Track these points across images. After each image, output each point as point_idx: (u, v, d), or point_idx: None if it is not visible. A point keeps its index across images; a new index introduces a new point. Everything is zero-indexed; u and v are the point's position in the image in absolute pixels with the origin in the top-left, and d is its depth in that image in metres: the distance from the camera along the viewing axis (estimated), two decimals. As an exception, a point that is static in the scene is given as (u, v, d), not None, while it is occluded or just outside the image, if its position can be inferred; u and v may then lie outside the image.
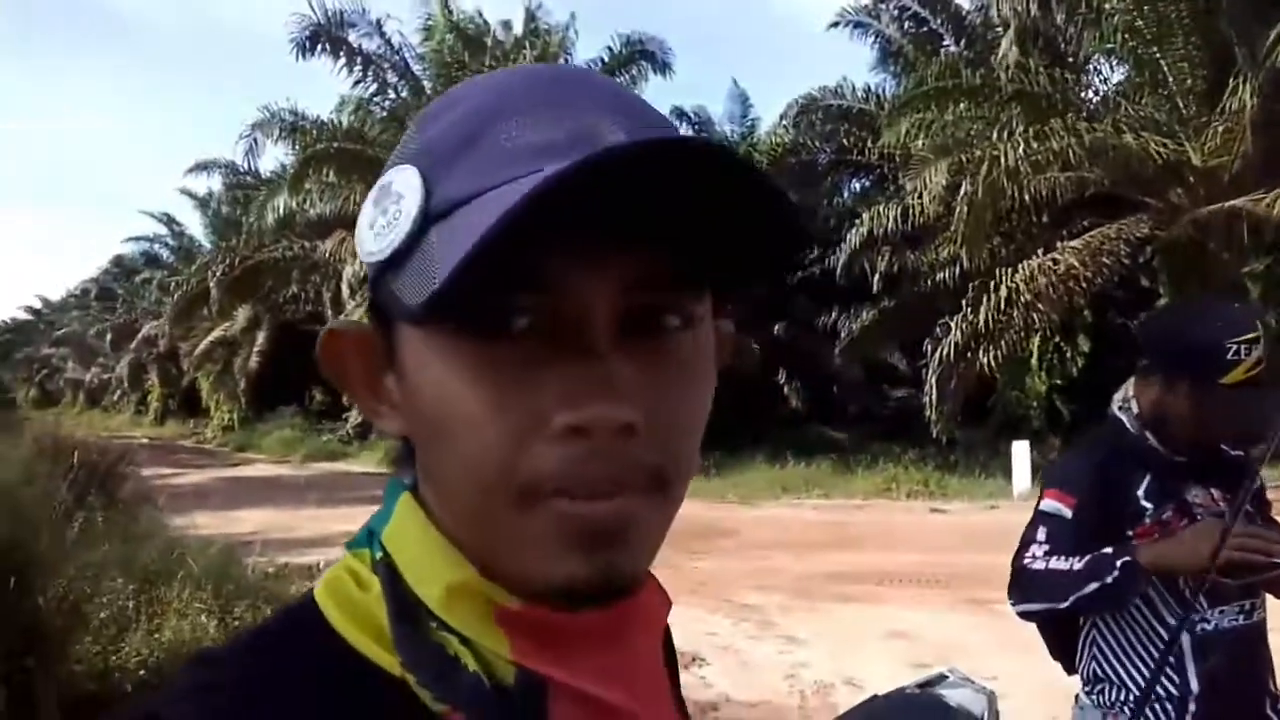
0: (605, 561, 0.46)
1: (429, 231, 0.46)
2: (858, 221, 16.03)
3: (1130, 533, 1.90)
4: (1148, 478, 1.92)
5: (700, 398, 0.50)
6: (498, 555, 0.48)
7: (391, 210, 0.47)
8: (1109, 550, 1.83)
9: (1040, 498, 2.00)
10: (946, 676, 2.37)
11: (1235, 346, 1.77)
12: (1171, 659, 1.90)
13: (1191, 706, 1.88)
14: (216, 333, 26.68)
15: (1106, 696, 1.98)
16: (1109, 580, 1.79)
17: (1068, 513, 1.92)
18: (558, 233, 0.43)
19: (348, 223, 18.32)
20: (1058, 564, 1.88)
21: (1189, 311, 1.93)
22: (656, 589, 0.57)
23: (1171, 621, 1.90)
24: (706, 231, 0.45)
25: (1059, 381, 16.97)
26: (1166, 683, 1.90)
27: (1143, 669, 1.93)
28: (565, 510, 0.45)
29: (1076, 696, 2.10)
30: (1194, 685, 1.88)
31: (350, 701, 0.47)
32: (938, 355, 13.88)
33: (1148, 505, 1.90)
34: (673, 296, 0.48)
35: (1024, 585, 1.93)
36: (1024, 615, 1.96)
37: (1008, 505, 12.35)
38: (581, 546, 0.46)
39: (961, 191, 12.95)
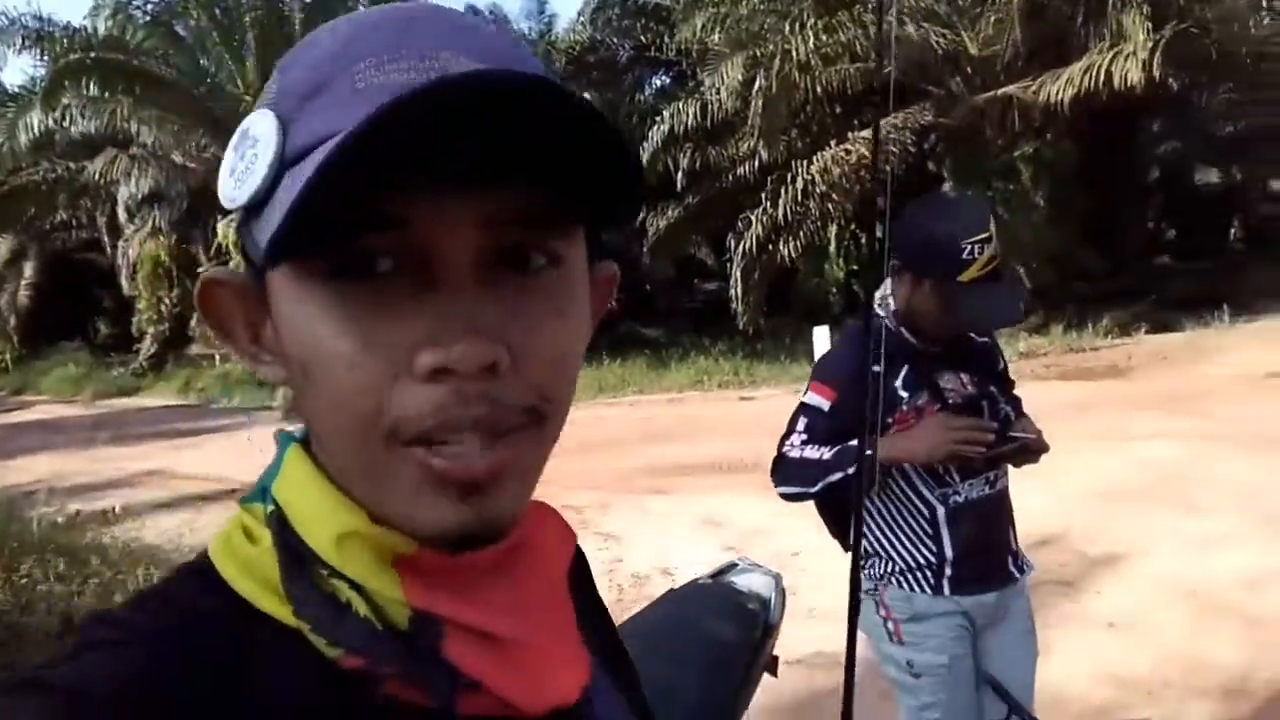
0: (476, 509, 0.47)
1: (284, 176, 0.46)
2: (659, 119, 16.03)
3: (890, 420, 2.03)
4: (905, 368, 2.05)
5: (570, 335, 0.50)
6: (376, 499, 0.48)
7: (249, 156, 0.47)
8: (854, 444, 1.98)
9: (806, 390, 2.11)
10: (736, 564, 2.49)
11: (969, 246, 1.89)
12: (929, 529, 2.07)
13: (948, 571, 2.06)
14: (-24, 267, 24.21)
15: (876, 569, 2.13)
16: (850, 471, 1.96)
17: (825, 405, 2.05)
18: (412, 172, 0.43)
19: (118, 140, 16.78)
20: (811, 453, 2.03)
21: (928, 214, 2.03)
22: (556, 526, 0.60)
23: (929, 496, 2.06)
24: (562, 169, 0.45)
25: (856, 267, 17.82)
26: (925, 551, 2.08)
27: (906, 541, 2.09)
28: (435, 465, 0.45)
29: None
30: (949, 552, 2.06)
31: (247, 653, 0.46)
32: (741, 249, 14.26)
33: (904, 394, 2.03)
34: (537, 235, 0.48)
35: (782, 470, 2.09)
36: (783, 496, 2.12)
37: (811, 388, 12.97)
38: (450, 494, 0.46)
39: (756, 86, 13.14)
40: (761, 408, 11.53)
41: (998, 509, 2.12)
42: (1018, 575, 2.15)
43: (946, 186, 15.15)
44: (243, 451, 11.23)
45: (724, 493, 7.13)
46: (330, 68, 0.47)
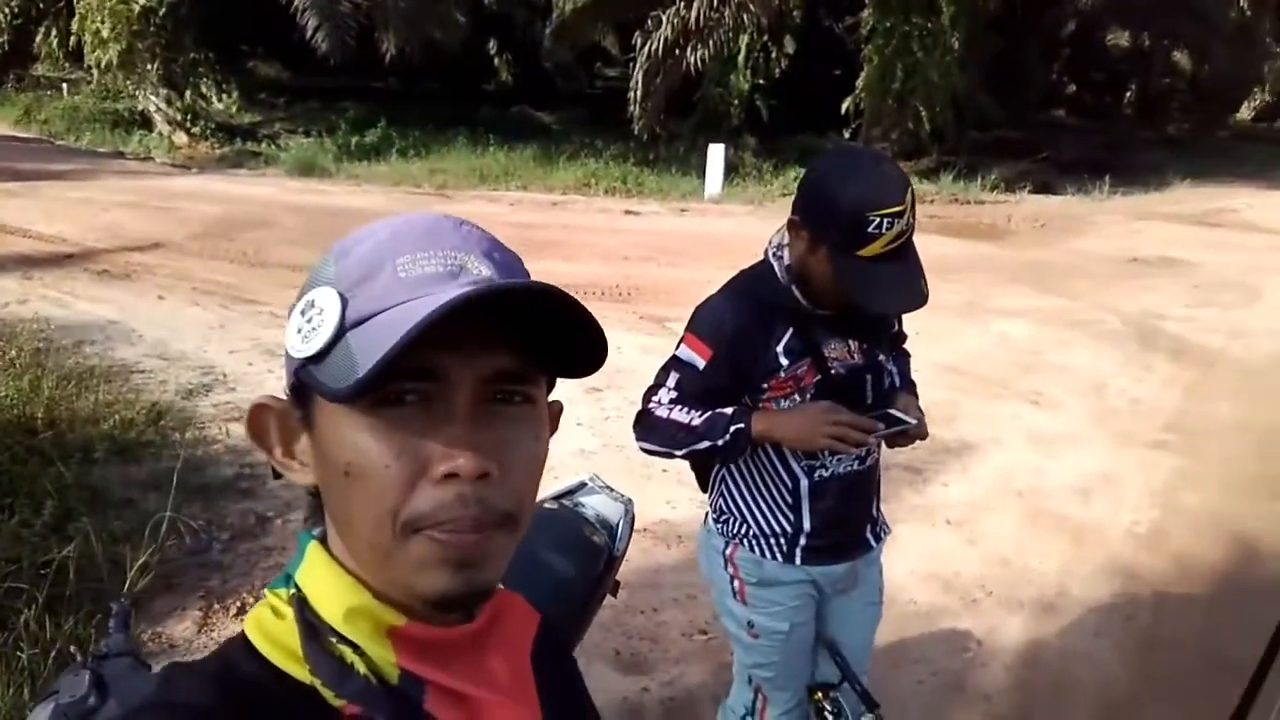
0: (467, 578, 0.62)
1: (345, 336, 0.62)
2: (578, -112, 14.72)
3: (765, 385, 1.88)
4: (790, 331, 1.88)
5: (538, 453, 0.67)
6: (389, 574, 0.64)
7: (315, 320, 0.63)
8: (726, 412, 1.86)
9: (681, 340, 1.93)
10: (585, 484, 2.36)
11: (877, 219, 1.68)
12: (790, 499, 1.97)
13: (802, 541, 1.99)
14: None
15: (730, 527, 2.04)
16: (719, 443, 1.86)
17: (700, 363, 1.89)
18: (442, 340, 0.60)
19: None
20: (679, 415, 1.90)
21: (838, 171, 1.79)
22: (520, 612, 0.78)
23: (795, 467, 1.95)
24: (544, 338, 0.64)
25: (762, 81, 17.29)
26: (783, 520, 1.98)
27: (764, 506, 1.99)
28: (440, 540, 0.61)
29: (705, 517, 2.16)
30: (807, 524, 1.97)
31: (274, 705, 0.62)
32: (647, 49, 13.54)
33: (784, 361, 1.87)
34: (520, 384, 0.65)
35: (647, 426, 1.96)
36: (644, 450, 1.98)
37: (697, 208, 12.80)
38: (450, 567, 0.62)
39: None
40: (645, 225, 11.32)
41: (865, 482, 2.03)
42: (873, 544, 2.09)
43: (866, 13, 14.63)
44: (83, 208, 10.39)
45: (595, 323, 7.00)
46: (378, 259, 0.64)
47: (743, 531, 2.03)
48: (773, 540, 2.00)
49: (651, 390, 1.97)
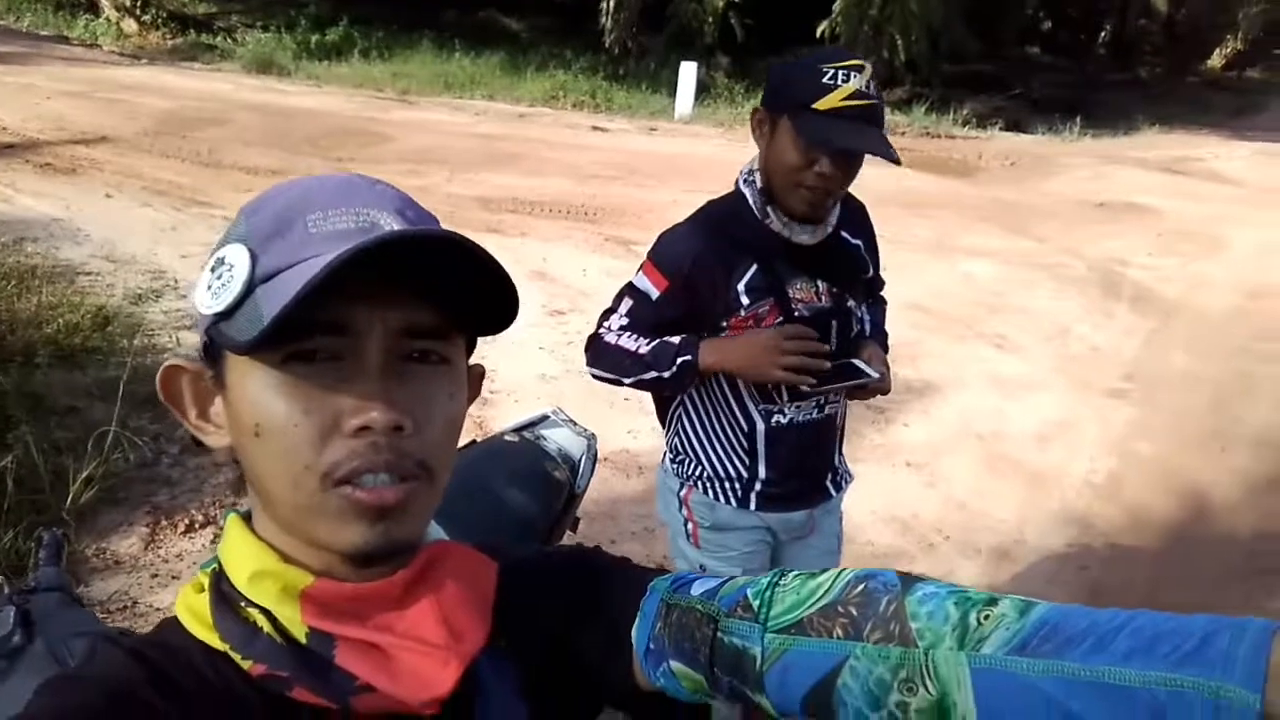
0: (385, 531, 0.63)
1: (254, 291, 0.61)
2: None
3: (724, 324, 1.82)
4: (753, 268, 1.80)
5: (453, 412, 0.67)
6: (308, 532, 0.64)
7: (225, 276, 0.63)
8: (674, 342, 1.80)
9: (640, 267, 1.85)
10: (548, 417, 2.30)
11: (832, 70, 1.63)
12: (745, 444, 1.92)
13: (758, 487, 1.95)
14: None
15: (685, 469, 2.00)
16: (665, 375, 1.81)
17: (655, 294, 1.83)
18: (353, 294, 0.60)
19: None
20: (627, 342, 1.85)
21: (802, 55, 1.75)
22: (464, 560, 0.73)
23: (752, 412, 1.90)
24: (456, 293, 0.63)
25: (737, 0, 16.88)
26: (738, 464, 1.95)
27: (719, 450, 1.95)
28: (358, 496, 0.61)
29: (663, 456, 2.11)
30: (762, 470, 1.94)
31: (190, 673, 0.63)
32: (622, -41, 13.14)
33: (745, 300, 1.80)
34: (433, 341, 0.65)
35: (596, 351, 1.91)
36: (594, 377, 1.94)
37: (667, 128, 12.56)
38: (368, 520, 0.62)
39: None
40: (613, 143, 11.08)
41: (825, 431, 1.97)
42: (833, 493, 2.05)
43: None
44: (24, 96, 9.92)
45: (559, 242, 6.86)
46: (289, 215, 0.64)
47: (697, 474, 1.98)
48: (727, 484, 1.96)
49: (605, 315, 1.91)
